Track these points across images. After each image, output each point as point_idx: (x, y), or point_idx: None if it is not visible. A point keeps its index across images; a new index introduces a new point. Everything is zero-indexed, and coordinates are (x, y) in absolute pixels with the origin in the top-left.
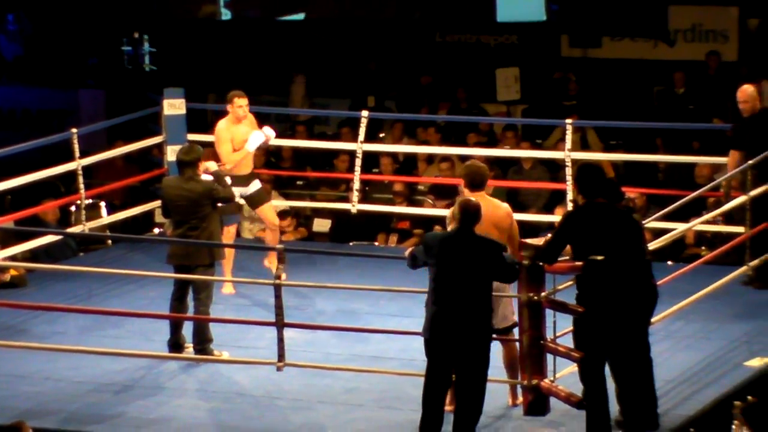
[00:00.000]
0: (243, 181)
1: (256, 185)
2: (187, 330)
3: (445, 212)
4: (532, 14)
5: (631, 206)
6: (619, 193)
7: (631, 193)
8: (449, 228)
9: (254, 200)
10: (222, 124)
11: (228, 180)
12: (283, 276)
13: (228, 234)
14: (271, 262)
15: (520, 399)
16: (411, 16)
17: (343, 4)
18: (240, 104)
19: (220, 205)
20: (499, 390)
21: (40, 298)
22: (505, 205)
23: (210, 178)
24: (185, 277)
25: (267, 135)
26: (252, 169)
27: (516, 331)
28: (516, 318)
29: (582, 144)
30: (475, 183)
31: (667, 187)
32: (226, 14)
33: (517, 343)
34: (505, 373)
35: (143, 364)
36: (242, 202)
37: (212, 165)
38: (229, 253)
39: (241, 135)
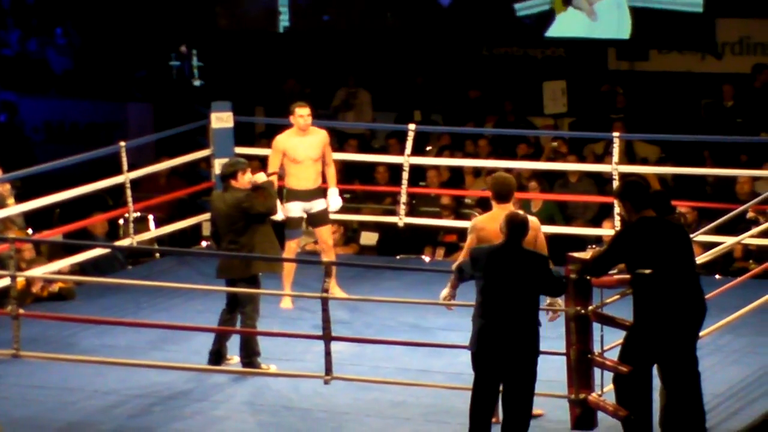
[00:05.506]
0: (306, 196)
1: (321, 204)
2: (235, 343)
3: None
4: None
5: (681, 221)
6: (668, 205)
7: (681, 207)
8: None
9: (316, 220)
10: (281, 135)
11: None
12: (336, 290)
13: (288, 249)
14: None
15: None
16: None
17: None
18: (301, 114)
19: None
20: (541, 403)
21: (88, 311)
22: (533, 218)
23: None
24: (231, 290)
25: (333, 203)
26: (319, 184)
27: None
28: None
29: (629, 156)
30: (501, 195)
31: (715, 201)
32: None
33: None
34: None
35: (191, 377)
36: (303, 215)
37: (261, 176)
38: (289, 267)
39: (302, 149)
